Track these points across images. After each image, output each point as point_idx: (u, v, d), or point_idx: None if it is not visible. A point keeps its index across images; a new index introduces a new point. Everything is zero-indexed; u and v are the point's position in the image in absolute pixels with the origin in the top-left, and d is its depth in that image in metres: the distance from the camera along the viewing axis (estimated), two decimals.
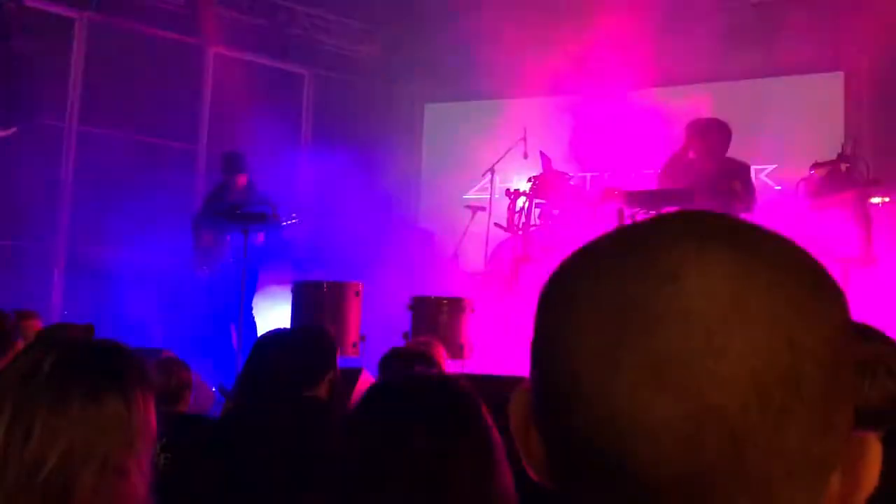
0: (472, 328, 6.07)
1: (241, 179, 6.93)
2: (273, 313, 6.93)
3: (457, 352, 5.69)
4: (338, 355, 5.81)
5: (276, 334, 2.96)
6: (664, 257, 0.56)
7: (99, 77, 8.13)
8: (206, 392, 5.45)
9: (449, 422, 1.32)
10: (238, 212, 6.21)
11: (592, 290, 0.57)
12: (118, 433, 1.35)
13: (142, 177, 7.54)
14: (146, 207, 7.25)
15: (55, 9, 8.06)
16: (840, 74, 7.90)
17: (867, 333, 1.84)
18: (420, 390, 1.39)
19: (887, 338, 1.86)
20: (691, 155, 5.84)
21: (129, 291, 7.26)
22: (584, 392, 0.56)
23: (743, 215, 5.58)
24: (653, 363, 0.54)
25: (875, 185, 5.61)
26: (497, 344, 6.04)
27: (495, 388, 3.29)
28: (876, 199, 5.74)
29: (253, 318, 6.81)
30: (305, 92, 9.48)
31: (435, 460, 1.28)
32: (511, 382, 4.11)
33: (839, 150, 5.79)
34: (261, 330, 6.41)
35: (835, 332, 0.56)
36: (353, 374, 4.55)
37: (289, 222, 6.54)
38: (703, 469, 0.53)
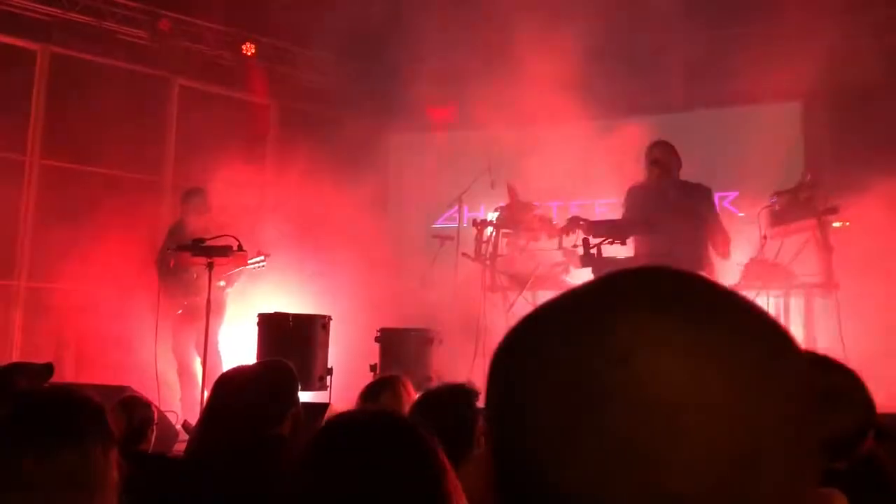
0: (440, 359, 6.04)
1: (205, 213, 6.88)
2: (239, 346, 6.85)
3: (425, 384, 5.65)
4: (305, 389, 5.77)
5: (238, 371, 2.92)
6: (615, 335, 0.54)
7: (61, 110, 8.05)
8: (170, 429, 5.35)
9: (396, 458, 1.32)
10: (202, 245, 6.14)
11: (544, 368, 0.55)
12: (74, 489, 1.32)
13: (105, 210, 7.44)
14: (109, 241, 7.15)
15: (16, 41, 7.98)
16: (798, 104, 8.07)
17: (827, 365, 1.87)
18: (367, 427, 1.38)
19: (846, 368, 1.89)
20: (651, 181, 5.90)
21: (91, 327, 7.14)
22: (540, 473, 0.54)
23: (714, 236, 5.66)
24: (609, 449, 0.52)
25: (834, 213, 5.71)
26: (465, 375, 6.01)
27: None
28: (837, 224, 5.84)
29: (219, 351, 6.72)
30: (271, 123, 9.47)
31: (383, 497, 1.28)
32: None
33: (799, 179, 5.89)
34: (227, 364, 6.32)
35: (796, 405, 0.54)
36: (320, 409, 4.50)
37: (256, 264, 6.49)
38: None
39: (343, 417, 1.45)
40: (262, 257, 6.50)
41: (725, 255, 5.73)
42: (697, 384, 0.52)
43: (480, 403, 2.78)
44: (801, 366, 0.56)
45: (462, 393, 2.81)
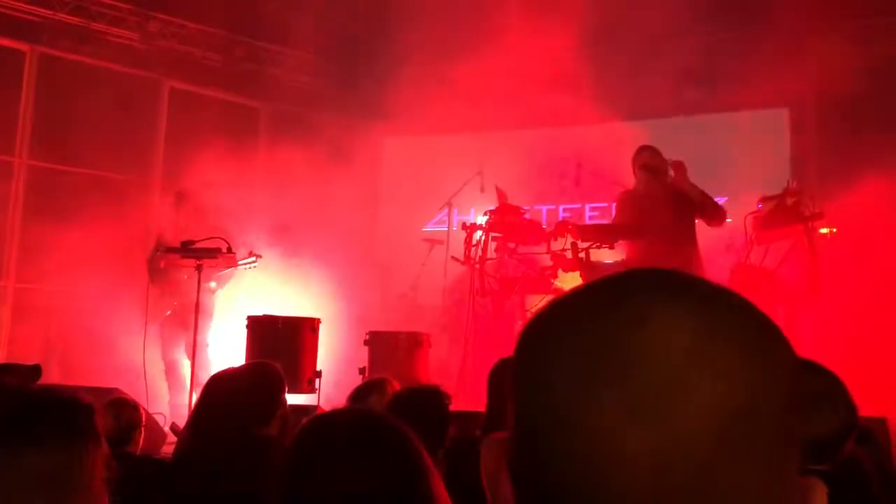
0: (429, 362, 6.06)
1: (195, 215, 6.87)
2: (228, 349, 6.84)
3: (413, 386, 5.66)
4: (294, 392, 5.77)
5: (226, 373, 2.94)
6: (634, 305, 0.61)
7: (50, 110, 8.03)
8: (158, 431, 5.34)
9: (379, 457, 1.33)
10: (192, 247, 6.14)
11: (570, 334, 0.62)
12: (54, 489, 1.32)
13: (94, 211, 7.42)
14: (98, 242, 7.13)
15: (5, 41, 7.96)
16: (785, 111, 8.13)
17: (812, 368, 1.90)
18: (349, 426, 1.40)
19: (830, 373, 1.92)
20: (640, 186, 5.92)
21: (79, 328, 7.12)
22: (564, 427, 0.60)
23: (705, 212, 5.66)
24: (627, 400, 0.58)
25: (820, 219, 5.76)
26: (454, 378, 6.03)
27: (453, 423, 3.29)
28: (824, 230, 5.90)
29: (207, 353, 6.71)
30: (262, 126, 9.48)
31: (365, 496, 1.29)
32: (468, 417, 4.11)
33: (785, 185, 5.94)
34: (215, 366, 6.32)
35: (786, 376, 0.61)
36: (308, 412, 4.51)
37: (247, 264, 6.48)
38: (671, 499, 0.57)
39: (324, 417, 1.46)
40: (253, 258, 6.49)
41: (721, 223, 5.76)
42: (704, 345, 0.59)
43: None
44: (787, 345, 0.64)
45: (433, 394, 2.89)
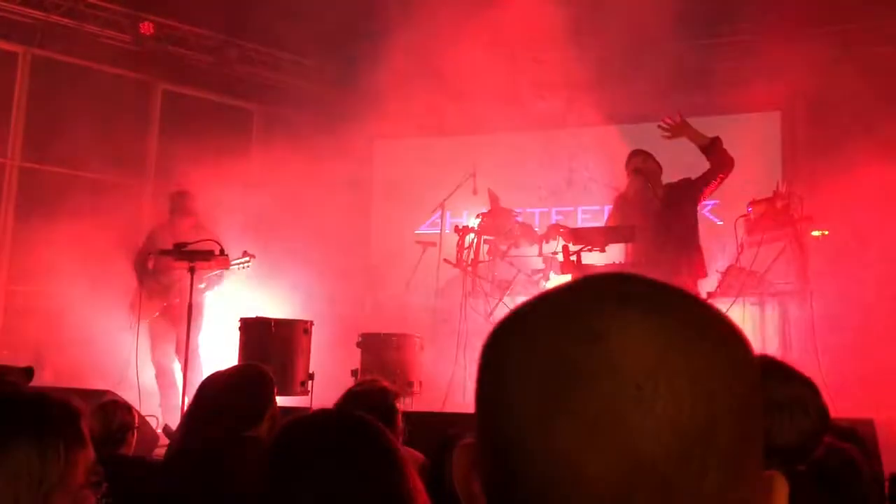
0: (421, 364, 6.07)
1: (189, 217, 6.88)
2: (220, 351, 6.84)
3: (406, 388, 5.68)
4: (286, 394, 5.78)
5: (218, 375, 2.96)
6: (589, 318, 0.60)
7: (42, 113, 8.02)
8: (150, 433, 5.35)
9: (357, 457, 1.35)
10: (184, 249, 6.14)
11: (526, 351, 0.61)
12: (25, 485, 1.33)
13: (86, 213, 7.41)
14: (90, 244, 7.13)
15: None
16: (777, 113, 8.18)
17: (786, 374, 1.94)
18: (327, 427, 1.41)
19: (805, 378, 1.96)
20: (634, 190, 5.92)
21: (71, 330, 7.11)
22: (524, 448, 0.59)
23: (712, 177, 5.59)
24: (586, 420, 0.57)
25: (809, 222, 5.79)
26: (447, 380, 6.05)
27: (445, 425, 3.30)
28: (816, 233, 5.93)
29: (199, 355, 6.71)
30: (254, 128, 9.48)
31: (344, 496, 1.31)
32: (460, 420, 4.13)
33: (775, 188, 5.97)
34: (207, 368, 6.32)
35: (746, 387, 0.61)
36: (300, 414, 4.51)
37: (240, 265, 6.48)
38: None
39: (303, 418, 1.48)
40: (247, 258, 6.49)
41: (729, 166, 5.63)
42: (662, 359, 0.58)
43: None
44: (750, 355, 0.63)
45: (381, 391, 2.98)
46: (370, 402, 2.94)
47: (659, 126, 5.72)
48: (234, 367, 3.07)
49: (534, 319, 0.63)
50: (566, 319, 0.61)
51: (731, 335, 0.63)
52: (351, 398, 3.05)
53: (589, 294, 0.63)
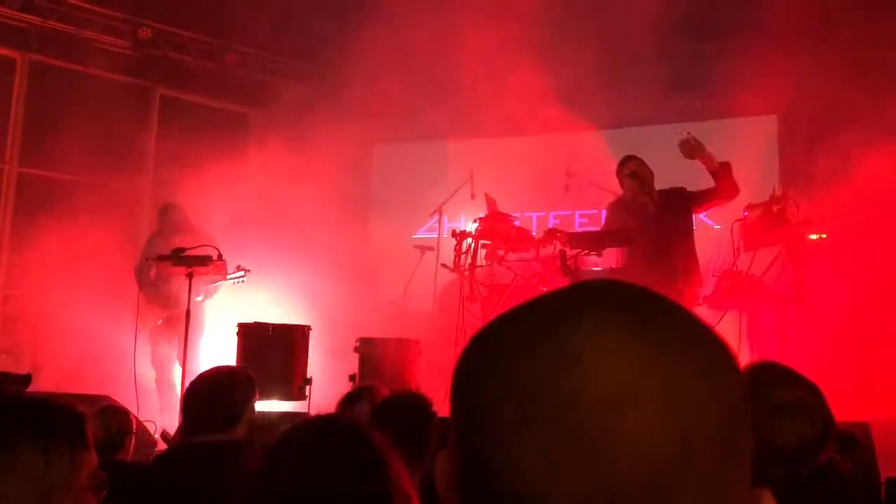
0: (419, 369, 6.07)
1: (186, 234, 6.86)
2: (219, 356, 6.84)
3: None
4: (284, 399, 5.77)
5: (200, 377, 2.95)
6: (565, 339, 0.59)
7: (40, 118, 8.03)
8: (148, 438, 5.35)
9: (349, 466, 1.36)
10: (182, 255, 6.15)
11: (500, 372, 0.61)
12: (31, 485, 1.35)
13: (84, 218, 7.42)
14: (88, 249, 7.13)
15: None
16: (774, 117, 8.19)
17: (788, 377, 1.94)
18: (321, 435, 1.42)
19: (807, 381, 1.95)
20: (629, 194, 5.93)
21: (70, 336, 7.11)
22: (497, 471, 0.59)
23: (711, 196, 5.61)
24: (559, 444, 0.57)
25: (806, 225, 5.80)
26: (444, 385, 6.05)
27: (443, 430, 3.31)
28: (813, 236, 5.94)
29: (199, 361, 6.71)
30: (252, 132, 9.48)
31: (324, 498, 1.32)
32: None
33: (771, 192, 5.98)
34: None
35: (728, 407, 0.60)
36: (298, 419, 4.52)
37: (235, 280, 6.49)
38: None
39: (298, 426, 1.48)
40: (242, 273, 6.50)
41: (733, 195, 5.67)
42: (637, 385, 0.57)
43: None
44: (735, 376, 0.62)
45: (415, 400, 2.93)
46: (406, 413, 2.85)
47: (678, 134, 5.72)
48: (213, 369, 3.03)
49: (509, 337, 0.63)
50: (542, 339, 0.60)
51: (714, 352, 0.62)
52: (384, 410, 2.95)
53: (566, 311, 0.62)
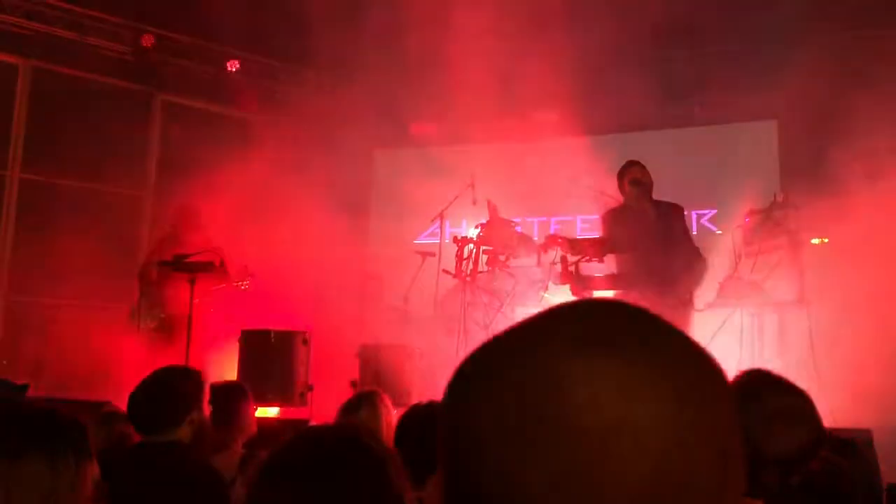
0: (419, 374, 6.07)
1: (198, 233, 6.88)
2: (221, 363, 6.84)
3: (404, 399, 5.68)
4: (285, 405, 5.76)
5: (144, 378, 2.88)
6: (556, 366, 0.60)
7: (42, 124, 8.05)
8: None
9: (350, 478, 1.36)
10: (185, 261, 6.16)
11: (493, 399, 0.61)
12: (38, 496, 1.36)
13: (86, 224, 7.43)
14: (90, 255, 7.14)
15: None
16: (774, 122, 8.20)
17: (781, 386, 1.95)
18: (321, 446, 1.42)
19: (798, 390, 1.97)
20: (629, 201, 5.93)
21: (72, 341, 7.12)
22: (486, 495, 0.59)
23: (686, 256, 5.64)
24: (552, 473, 0.57)
25: (807, 230, 5.81)
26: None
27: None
28: (815, 240, 5.94)
29: (198, 367, 6.71)
30: (254, 138, 9.49)
31: None
32: None
33: (772, 198, 5.98)
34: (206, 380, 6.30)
35: (719, 429, 0.60)
36: (299, 426, 4.51)
37: (239, 285, 6.49)
38: None
39: (298, 436, 1.48)
40: (245, 279, 6.50)
41: (697, 278, 5.53)
42: (628, 413, 0.58)
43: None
44: (724, 398, 0.62)
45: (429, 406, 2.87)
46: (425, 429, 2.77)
47: None
48: (159, 370, 2.95)
49: (502, 361, 0.63)
50: (533, 365, 0.60)
51: (703, 374, 0.62)
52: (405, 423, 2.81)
53: (559, 335, 0.62)
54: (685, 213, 5.96)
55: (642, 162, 6.04)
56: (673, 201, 5.93)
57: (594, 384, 0.58)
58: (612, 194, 6.50)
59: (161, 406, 2.73)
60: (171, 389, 2.78)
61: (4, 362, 7.34)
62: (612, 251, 5.75)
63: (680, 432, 0.58)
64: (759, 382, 1.96)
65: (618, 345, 0.60)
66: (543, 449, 0.58)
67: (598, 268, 5.93)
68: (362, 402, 3.57)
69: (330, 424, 1.56)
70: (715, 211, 7.81)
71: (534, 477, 0.58)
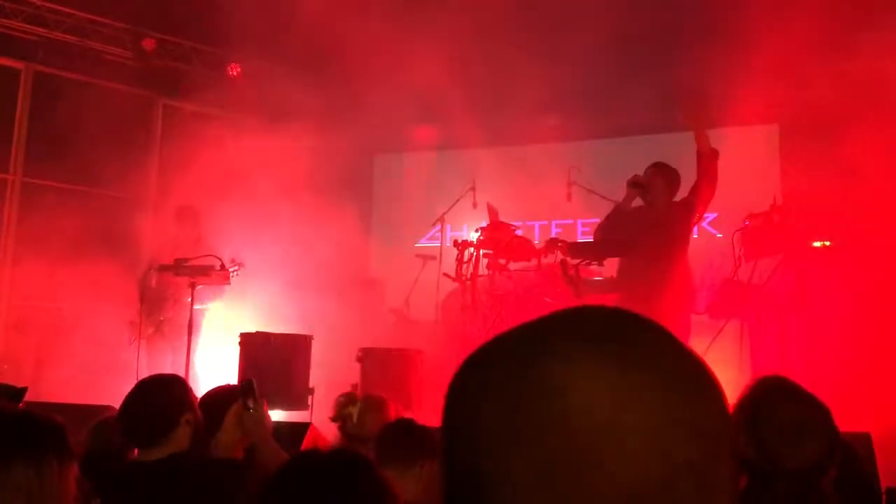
0: (421, 378, 6.08)
1: (193, 230, 6.90)
2: (221, 366, 6.85)
3: (406, 402, 5.69)
4: (287, 408, 5.76)
5: (128, 397, 2.79)
6: (548, 370, 0.61)
7: (44, 128, 8.07)
8: None
9: (353, 499, 1.36)
10: (185, 264, 6.16)
11: (490, 400, 0.63)
12: (26, 498, 1.37)
13: (88, 228, 7.44)
14: (92, 259, 7.15)
15: (0, 60, 8.01)
16: (776, 126, 8.21)
17: (794, 394, 1.91)
18: (322, 470, 1.42)
19: (813, 398, 1.92)
20: (627, 204, 5.91)
21: (72, 345, 7.13)
22: (480, 492, 0.61)
23: (678, 259, 5.60)
24: (539, 473, 0.59)
25: (808, 234, 5.80)
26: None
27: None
28: (817, 244, 5.93)
29: (196, 371, 6.71)
30: (255, 142, 9.50)
31: None
32: None
33: (772, 202, 5.98)
34: (204, 383, 6.32)
35: (710, 437, 0.61)
36: (300, 429, 4.52)
37: (232, 271, 6.49)
38: None
39: (298, 458, 1.48)
40: (235, 266, 6.48)
41: (714, 184, 5.55)
42: (617, 417, 0.59)
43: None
44: (718, 407, 0.63)
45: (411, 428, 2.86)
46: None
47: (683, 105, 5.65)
48: (138, 384, 2.84)
49: (499, 366, 0.65)
50: (526, 369, 0.62)
51: (695, 380, 0.63)
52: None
53: (556, 340, 0.63)
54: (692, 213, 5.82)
55: (642, 164, 6.03)
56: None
57: (586, 388, 0.60)
58: (613, 198, 6.51)
59: (151, 417, 2.66)
60: (157, 398, 2.71)
61: (6, 367, 7.34)
62: (611, 254, 5.75)
63: (667, 439, 0.59)
64: (773, 391, 1.91)
65: (612, 351, 0.62)
66: (537, 448, 0.59)
67: (599, 271, 5.94)
68: (369, 408, 3.58)
69: (328, 451, 1.55)
70: (715, 215, 7.80)
71: (527, 476, 0.59)
